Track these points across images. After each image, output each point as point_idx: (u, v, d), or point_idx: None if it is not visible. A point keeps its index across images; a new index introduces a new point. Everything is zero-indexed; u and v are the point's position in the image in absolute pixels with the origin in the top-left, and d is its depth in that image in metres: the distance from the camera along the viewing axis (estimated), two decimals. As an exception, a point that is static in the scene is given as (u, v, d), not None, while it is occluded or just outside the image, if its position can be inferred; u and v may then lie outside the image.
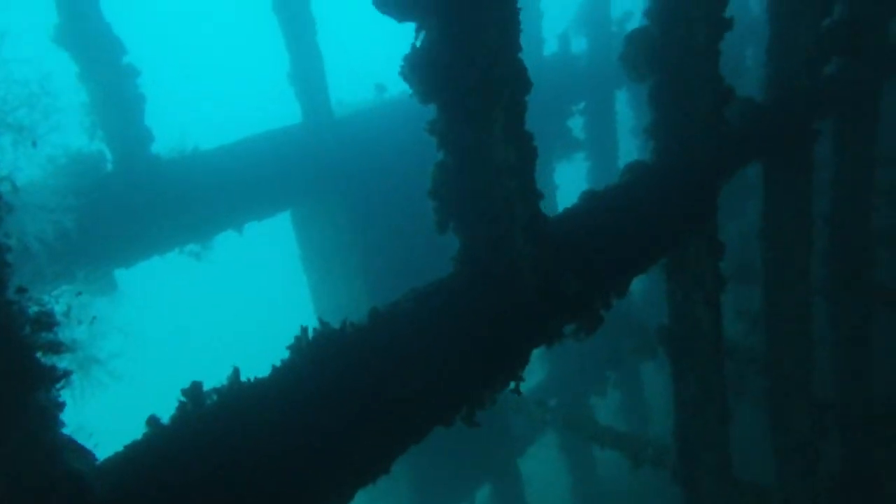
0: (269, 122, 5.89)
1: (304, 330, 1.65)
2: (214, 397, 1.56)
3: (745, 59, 9.17)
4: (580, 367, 7.89)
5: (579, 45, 8.52)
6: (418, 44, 1.88)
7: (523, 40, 6.66)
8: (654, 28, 3.12)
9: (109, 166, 3.94)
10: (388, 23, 1.89)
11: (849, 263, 5.40)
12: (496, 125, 1.99)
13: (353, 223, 5.78)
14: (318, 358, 1.62)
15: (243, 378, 1.56)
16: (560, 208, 3.99)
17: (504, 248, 2.12)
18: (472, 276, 2.13)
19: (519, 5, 1.92)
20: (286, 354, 1.63)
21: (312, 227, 6.21)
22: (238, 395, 1.54)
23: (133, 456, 1.48)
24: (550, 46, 7.90)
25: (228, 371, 1.69)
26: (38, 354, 1.18)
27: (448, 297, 2.11)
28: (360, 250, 5.47)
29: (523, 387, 2.22)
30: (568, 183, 8.49)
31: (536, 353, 2.79)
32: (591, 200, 2.89)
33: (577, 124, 8.88)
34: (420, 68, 1.87)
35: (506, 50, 1.92)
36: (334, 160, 5.37)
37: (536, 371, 8.91)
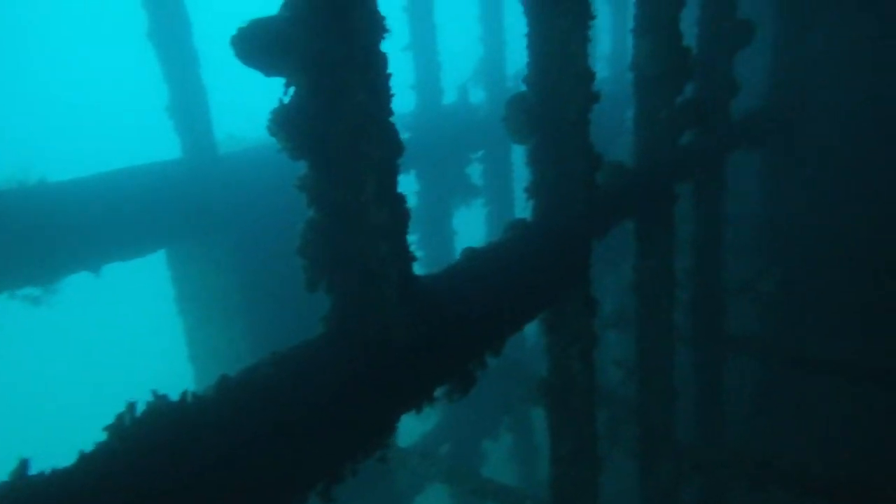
0: (149, 155, 5.54)
1: (131, 406, 1.44)
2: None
3: (626, 122, 10.05)
4: (473, 411, 7.92)
5: (478, 95, 8.92)
6: (286, 99, 1.82)
7: (423, 89, 6.81)
8: (532, 96, 3.29)
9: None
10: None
11: (706, 313, 5.93)
12: (368, 186, 1.96)
13: (237, 265, 5.49)
14: (145, 442, 1.41)
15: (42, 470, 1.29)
16: (457, 253, 4.03)
17: (376, 309, 2.07)
18: (340, 338, 2.05)
19: (389, 71, 1.94)
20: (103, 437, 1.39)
21: (191, 267, 5.82)
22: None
23: None
24: (450, 96, 8.20)
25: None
26: None
27: (313, 361, 2.00)
28: (243, 293, 5.18)
29: (414, 434, 2.17)
30: (466, 228, 8.72)
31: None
32: (471, 258, 2.93)
33: (476, 171, 9.21)
34: (288, 125, 1.80)
35: (377, 113, 1.92)
36: (217, 198, 5.10)
37: (430, 416, 8.86)
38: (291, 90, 1.81)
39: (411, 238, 8.34)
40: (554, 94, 3.24)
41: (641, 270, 4.85)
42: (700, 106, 4.36)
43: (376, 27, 1.85)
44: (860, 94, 8.22)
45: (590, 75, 3.21)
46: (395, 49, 7.77)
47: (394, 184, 2.07)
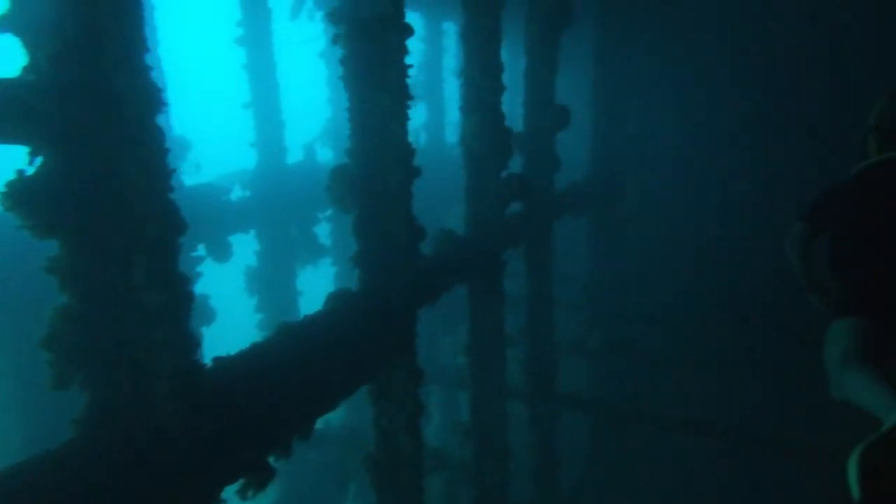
0: None
1: None
2: None
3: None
4: (313, 484, 7.44)
5: (328, 155, 8.88)
6: (30, 170, 1.60)
7: (264, 147, 6.56)
8: (354, 168, 3.31)
9: None
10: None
11: (539, 371, 6.25)
12: (138, 269, 1.77)
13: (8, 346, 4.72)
14: None
15: None
16: (302, 315, 3.81)
17: (146, 407, 1.84)
18: (95, 445, 1.78)
19: (166, 143, 1.81)
20: None
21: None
22: None
23: None
24: (297, 155, 8.07)
25: None
26: None
27: (68, 472, 1.71)
28: (18, 379, 4.43)
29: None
30: (312, 289, 8.45)
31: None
32: (284, 333, 2.78)
33: (324, 230, 9.05)
34: (32, 200, 1.58)
35: (150, 190, 1.77)
36: None
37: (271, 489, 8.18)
38: (38, 160, 1.60)
39: (250, 301, 7.84)
40: (375, 168, 3.29)
41: (474, 332, 5.00)
42: (523, 180, 4.71)
43: (150, 99, 1.73)
44: (666, 167, 9.55)
45: (409, 151, 3.32)
46: (235, 106, 7.55)
47: (172, 264, 1.90)
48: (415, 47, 10.84)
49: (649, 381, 7.98)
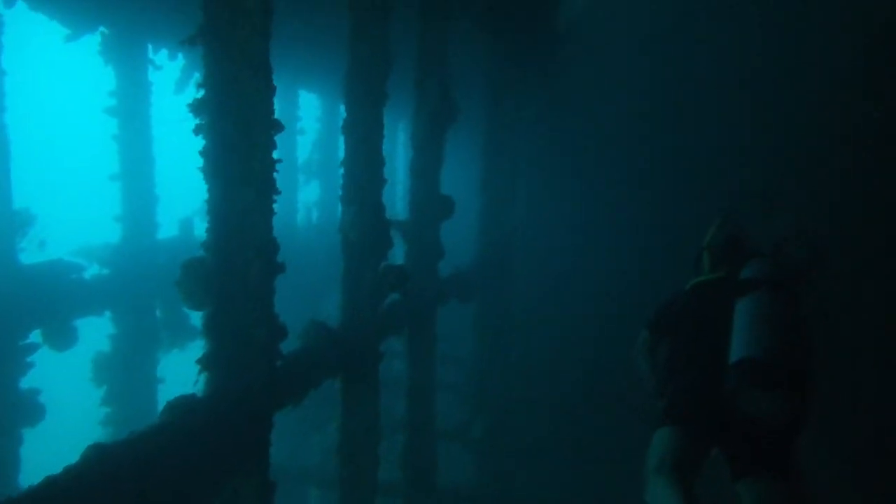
0: None
1: None
2: None
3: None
4: None
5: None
6: None
7: (131, 222, 6.04)
8: (210, 262, 3.09)
9: None
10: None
11: (418, 465, 6.00)
12: None
13: None
14: None
15: None
16: (160, 405, 3.30)
17: None
18: None
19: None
20: None
21: None
22: None
23: None
24: (170, 230, 7.56)
25: None
26: None
27: None
28: None
29: None
30: (174, 375, 7.69)
31: None
32: (98, 459, 2.40)
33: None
34: None
35: None
36: None
37: None
38: None
39: (97, 392, 6.97)
40: (234, 263, 3.09)
41: (346, 429, 4.72)
42: (401, 272, 4.67)
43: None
44: (553, 250, 9.98)
45: (273, 246, 3.17)
46: (102, 177, 7.02)
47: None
48: (311, 126, 10.95)
49: (530, 470, 7.94)
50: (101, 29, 6.56)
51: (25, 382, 5.61)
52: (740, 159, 8.53)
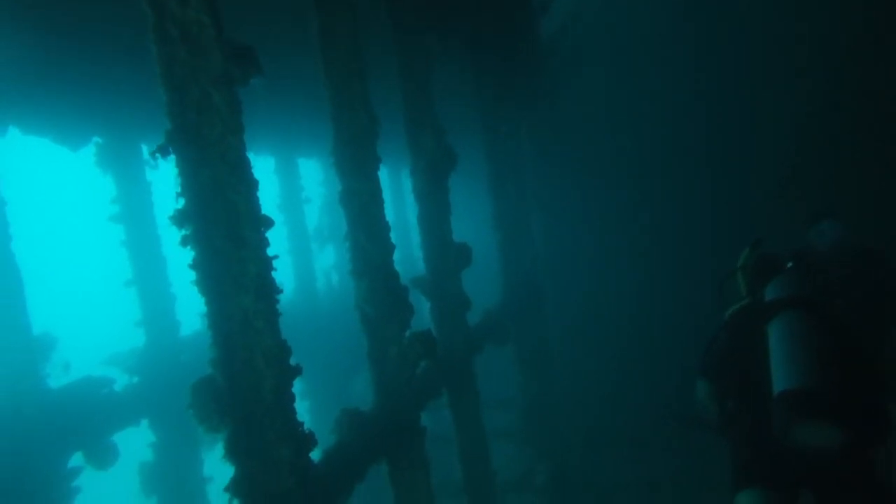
0: None
1: None
2: None
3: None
4: None
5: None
6: None
7: (154, 325, 5.88)
8: (220, 378, 2.86)
9: None
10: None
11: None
12: None
13: None
14: None
15: None
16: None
17: None
18: None
19: None
20: None
21: None
22: None
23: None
24: (192, 325, 7.47)
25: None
26: None
27: None
28: None
29: None
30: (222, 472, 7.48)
31: None
32: None
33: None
34: None
35: None
36: None
37: None
38: None
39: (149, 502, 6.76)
40: (243, 377, 2.86)
41: (402, 514, 4.38)
42: (428, 339, 4.39)
43: None
44: (583, 277, 9.63)
45: (283, 351, 2.93)
46: (117, 285, 6.98)
47: None
48: (315, 191, 10.91)
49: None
50: (95, 139, 6.61)
51: (76, 508, 5.45)
52: (751, 159, 8.24)
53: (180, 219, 2.82)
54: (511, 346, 7.67)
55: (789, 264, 3.13)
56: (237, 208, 2.84)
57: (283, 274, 9.63)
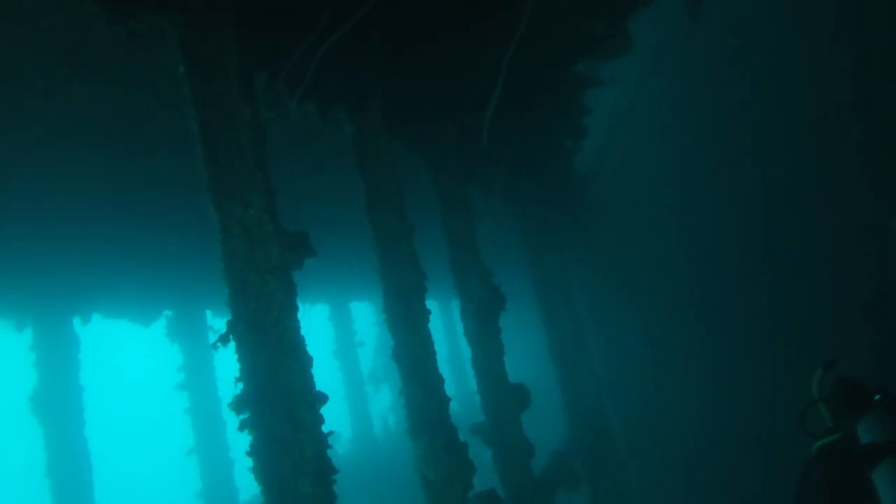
0: None
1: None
2: None
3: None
4: None
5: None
6: None
7: (215, 495, 5.74)
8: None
9: None
10: None
11: None
12: None
13: None
14: None
15: None
16: None
17: None
18: None
19: None
20: None
21: None
22: None
23: None
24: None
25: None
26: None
27: None
28: None
29: None
30: None
31: None
32: None
33: None
34: None
35: None
36: None
37: None
38: None
39: None
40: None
41: None
42: (494, 497, 4.11)
43: None
44: (640, 413, 9.04)
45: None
46: (180, 454, 7.05)
47: None
48: (368, 333, 11.07)
49: None
50: (166, 313, 7.05)
51: None
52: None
53: (239, 405, 2.87)
54: (585, 489, 7.09)
55: (877, 396, 2.92)
56: (294, 391, 2.88)
57: (341, 421, 9.52)
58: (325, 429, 2.99)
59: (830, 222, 7.58)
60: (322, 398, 2.99)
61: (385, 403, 10.58)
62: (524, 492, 5.27)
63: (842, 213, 7.49)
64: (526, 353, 9.88)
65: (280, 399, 2.84)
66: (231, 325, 2.95)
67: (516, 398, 5.46)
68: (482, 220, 6.07)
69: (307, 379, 2.94)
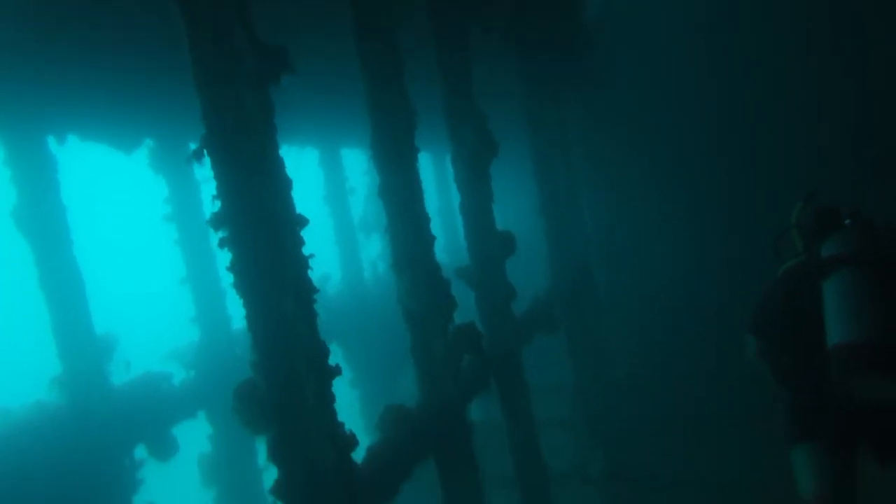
0: None
1: None
2: None
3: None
4: None
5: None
6: None
7: (208, 320, 6.01)
8: (261, 381, 2.85)
9: None
10: None
11: (540, 527, 5.50)
12: None
13: None
14: None
15: None
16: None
17: None
18: None
19: None
20: None
21: None
22: None
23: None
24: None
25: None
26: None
27: None
28: None
29: None
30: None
31: None
32: None
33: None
34: None
35: None
36: None
37: None
38: None
39: (204, 495, 7.04)
40: (285, 380, 2.84)
41: (451, 509, 4.34)
42: (473, 332, 4.29)
43: None
44: (636, 267, 9.28)
45: (323, 353, 2.90)
46: (172, 283, 7.22)
47: None
48: (359, 181, 10.94)
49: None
50: (147, 141, 6.81)
51: (140, 498, 5.71)
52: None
53: (217, 222, 2.81)
54: (562, 332, 7.48)
55: (847, 221, 2.97)
56: (273, 208, 2.80)
57: (331, 266, 9.76)
58: (306, 252, 2.97)
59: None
60: (301, 220, 2.93)
61: (375, 251, 10.80)
62: (504, 331, 5.53)
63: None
64: (518, 207, 9.88)
65: (258, 218, 2.77)
66: (205, 141, 2.80)
67: (502, 244, 5.51)
68: (480, 63, 5.67)
69: (286, 201, 2.86)
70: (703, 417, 7.48)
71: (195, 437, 6.55)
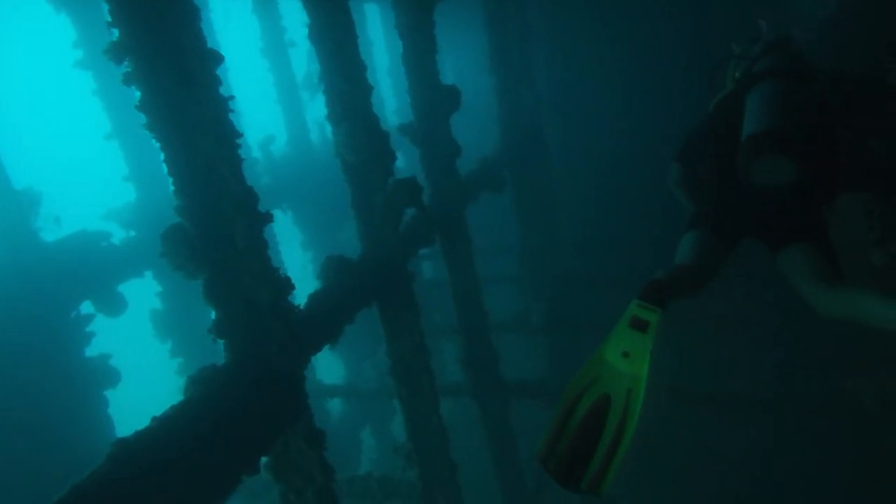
0: None
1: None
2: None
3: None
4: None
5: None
6: None
7: (143, 179, 5.75)
8: (189, 225, 2.81)
9: None
10: None
11: (480, 367, 5.97)
12: None
13: None
14: None
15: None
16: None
17: None
18: None
19: None
20: None
21: None
22: None
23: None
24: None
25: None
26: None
27: None
28: None
29: None
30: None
31: None
32: (137, 446, 2.32)
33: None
34: None
35: None
36: None
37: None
38: None
39: (160, 347, 7.19)
40: (213, 224, 2.79)
41: (394, 354, 4.63)
42: (412, 185, 4.27)
43: None
44: (578, 129, 9.23)
45: (251, 197, 2.83)
46: (97, 137, 6.75)
47: None
48: (301, 33, 10.10)
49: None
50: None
51: (93, 350, 5.83)
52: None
53: (117, 52, 2.55)
54: (509, 192, 7.57)
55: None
56: (181, 39, 2.56)
57: (275, 125, 9.31)
58: (225, 93, 2.78)
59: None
60: (217, 57, 2.70)
61: (321, 112, 10.29)
62: (449, 190, 5.53)
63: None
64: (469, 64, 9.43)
65: (161, 48, 2.54)
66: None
67: (447, 97, 5.31)
68: None
69: (196, 31, 2.60)
70: (642, 273, 7.97)
71: (146, 294, 6.58)
